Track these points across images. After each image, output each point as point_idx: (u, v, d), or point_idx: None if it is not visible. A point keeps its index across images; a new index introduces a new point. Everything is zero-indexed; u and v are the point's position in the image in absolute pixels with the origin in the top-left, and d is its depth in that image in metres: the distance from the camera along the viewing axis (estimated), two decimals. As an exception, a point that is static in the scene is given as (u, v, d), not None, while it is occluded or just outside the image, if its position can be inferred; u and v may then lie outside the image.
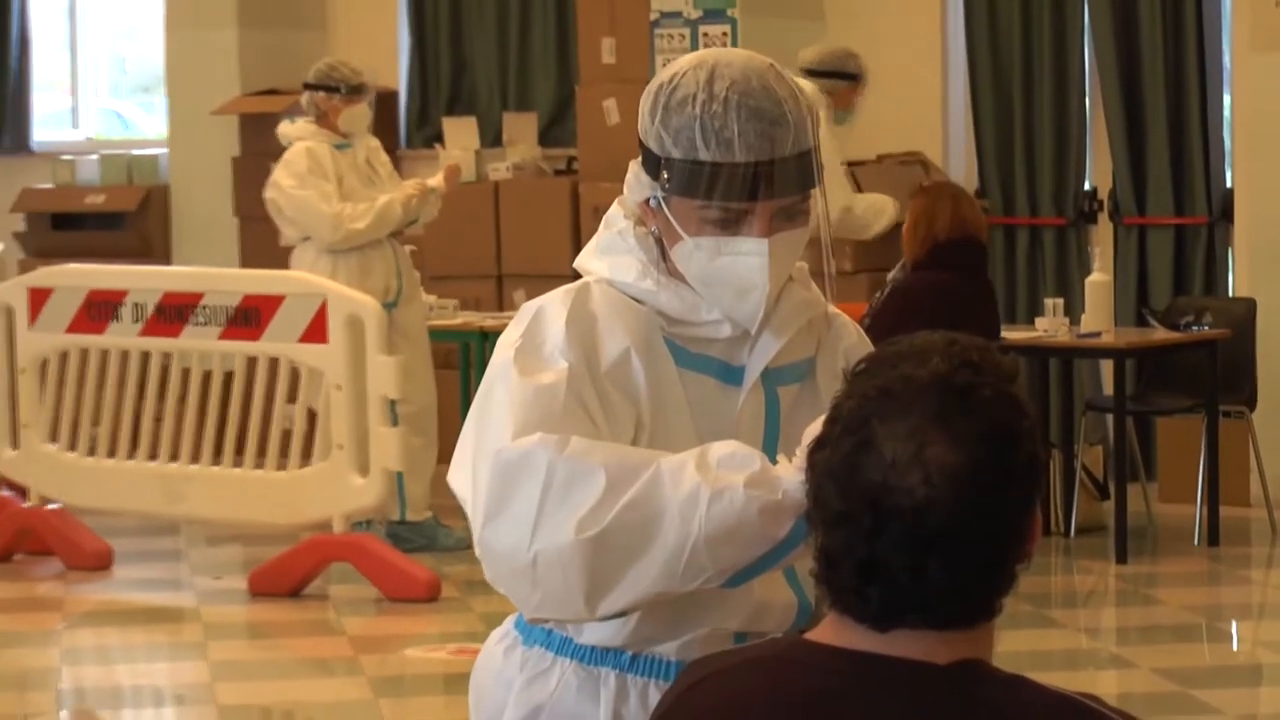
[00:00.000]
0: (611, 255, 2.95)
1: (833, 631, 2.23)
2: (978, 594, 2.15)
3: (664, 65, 9.24)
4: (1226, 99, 10.71)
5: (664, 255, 2.96)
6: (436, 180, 9.86)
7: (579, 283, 2.97)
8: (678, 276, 2.92)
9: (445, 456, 4.00)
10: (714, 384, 2.97)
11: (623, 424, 2.86)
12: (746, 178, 2.88)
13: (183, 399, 9.36)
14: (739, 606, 2.86)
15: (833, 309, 3.17)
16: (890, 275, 9.01)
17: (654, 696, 2.86)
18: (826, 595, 2.25)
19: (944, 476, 2.05)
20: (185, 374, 9.37)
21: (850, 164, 9.79)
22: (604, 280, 2.92)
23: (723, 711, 2.30)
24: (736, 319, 2.92)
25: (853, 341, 3.13)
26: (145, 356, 9.41)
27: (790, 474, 2.59)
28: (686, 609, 2.83)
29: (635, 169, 2.95)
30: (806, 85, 8.39)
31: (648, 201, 2.92)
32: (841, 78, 9.47)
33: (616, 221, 2.95)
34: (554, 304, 2.95)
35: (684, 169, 2.86)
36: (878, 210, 9.54)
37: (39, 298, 9.64)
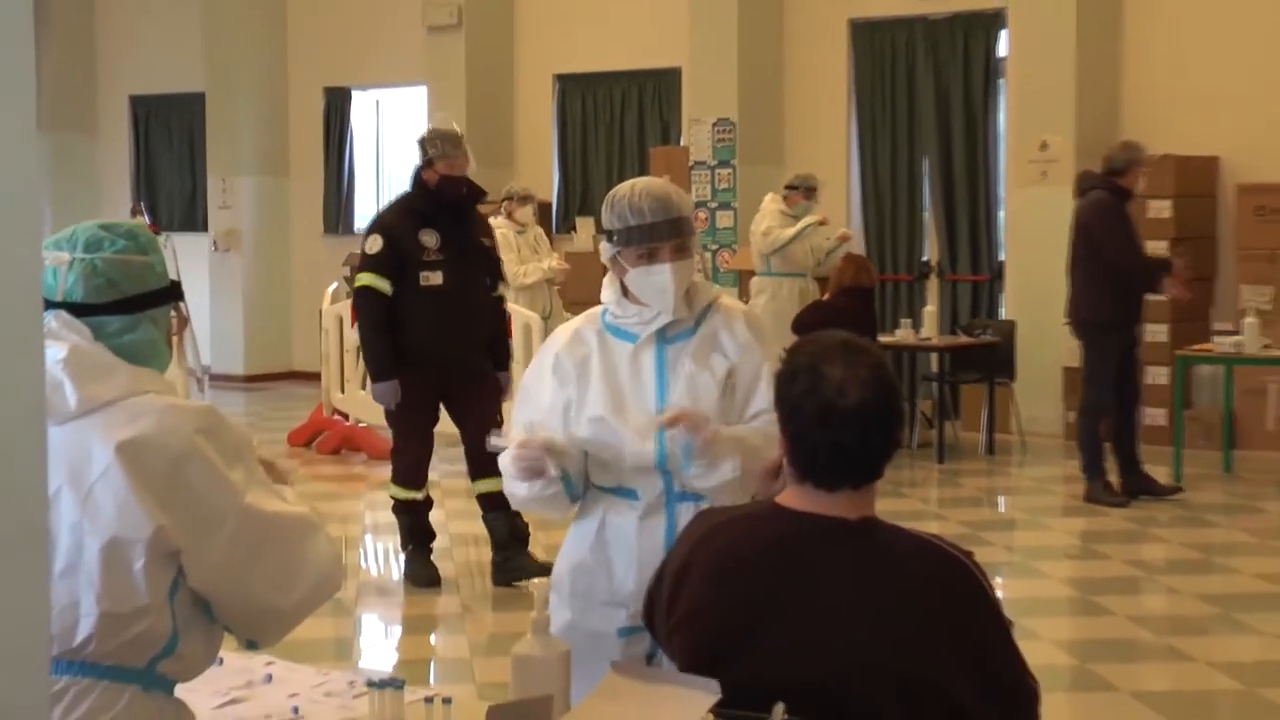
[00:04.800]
0: (605, 288, 3.85)
1: (793, 499, 2.81)
2: (879, 457, 2.79)
3: (695, 197, 13.02)
4: (1004, 208, 13.29)
5: (623, 285, 3.80)
6: (560, 262, 12.63)
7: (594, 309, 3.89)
8: (628, 295, 3.79)
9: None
10: (630, 346, 3.81)
11: (566, 395, 3.78)
12: (650, 230, 3.72)
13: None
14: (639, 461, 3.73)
15: (724, 299, 3.91)
16: (825, 297, 11.54)
17: (613, 515, 3.81)
18: (794, 473, 2.82)
19: (862, 386, 2.74)
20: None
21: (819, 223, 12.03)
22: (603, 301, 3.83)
23: (726, 549, 2.88)
24: (661, 310, 3.76)
25: (738, 320, 3.86)
26: None
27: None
28: (622, 471, 3.75)
29: (601, 242, 3.84)
30: (771, 199, 11.68)
31: (612, 258, 3.78)
32: (794, 188, 12.13)
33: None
34: (567, 326, 3.97)
35: (622, 232, 3.72)
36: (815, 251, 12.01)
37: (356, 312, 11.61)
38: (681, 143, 14.66)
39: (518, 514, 7.67)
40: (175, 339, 2.79)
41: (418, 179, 7.83)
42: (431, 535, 8.13)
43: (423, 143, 7.87)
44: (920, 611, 2.73)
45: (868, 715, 2.71)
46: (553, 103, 15.80)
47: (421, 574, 8.02)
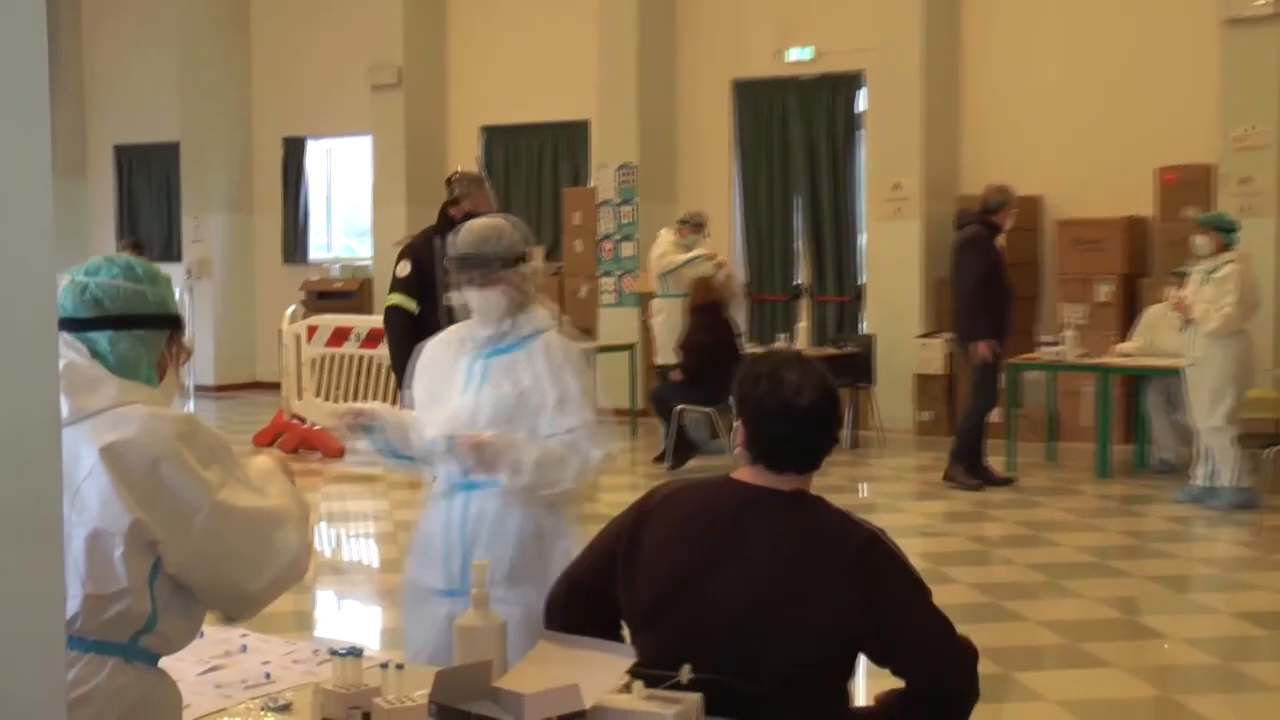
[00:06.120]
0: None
1: (746, 475, 2.93)
2: (822, 449, 2.93)
3: (602, 230, 13.22)
4: (863, 238, 13.46)
5: None
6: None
7: None
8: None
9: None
10: (466, 358, 3.91)
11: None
12: (460, 262, 3.84)
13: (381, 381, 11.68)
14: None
15: (550, 335, 3.90)
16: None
17: (434, 489, 3.95)
18: (749, 456, 2.92)
19: (814, 390, 2.89)
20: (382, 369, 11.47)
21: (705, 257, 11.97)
22: None
23: (686, 505, 3.01)
24: (485, 325, 3.89)
25: (543, 354, 3.88)
26: (360, 359, 12.16)
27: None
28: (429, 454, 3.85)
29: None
30: (666, 232, 12.12)
31: None
32: (685, 223, 12.21)
33: None
34: (453, 328, 4.08)
35: (451, 261, 3.88)
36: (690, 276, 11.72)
37: (312, 330, 12.50)
38: (591, 184, 14.71)
39: None
40: (172, 367, 2.76)
41: (444, 213, 7.63)
42: None
43: (452, 183, 7.73)
44: (835, 566, 2.81)
45: (781, 647, 2.78)
46: (480, 151, 15.82)
47: None
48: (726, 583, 2.83)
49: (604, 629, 3.01)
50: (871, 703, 3.08)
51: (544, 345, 3.84)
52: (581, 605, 3.05)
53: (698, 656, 2.70)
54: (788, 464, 2.90)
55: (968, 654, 2.94)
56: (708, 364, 10.76)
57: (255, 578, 2.64)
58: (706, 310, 11.18)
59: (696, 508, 2.98)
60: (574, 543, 3.77)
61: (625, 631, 3.08)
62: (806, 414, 2.86)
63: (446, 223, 7.58)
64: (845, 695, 2.94)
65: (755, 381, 2.92)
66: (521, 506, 3.83)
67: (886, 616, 2.82)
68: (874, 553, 2.85)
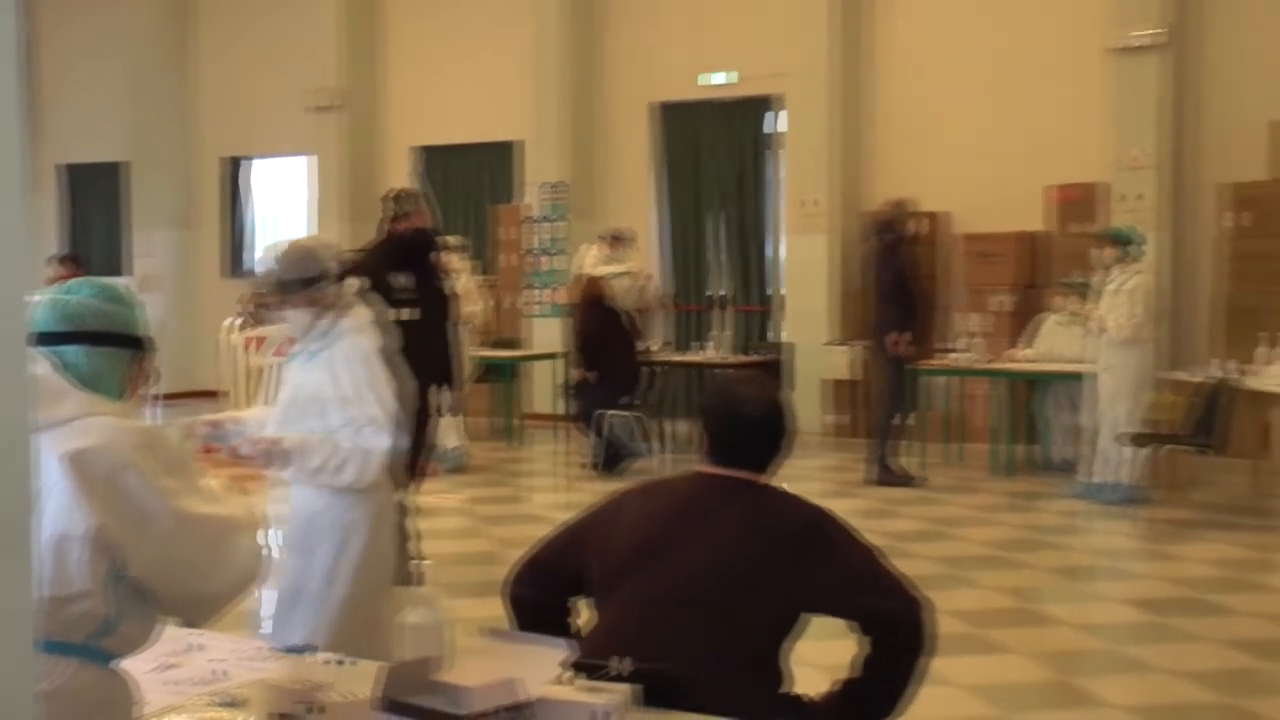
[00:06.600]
0: None
1: (707, 466, 3.18)
2: (769, 454, 3.16)
3: (531, 245, 13.14)
4: (781, 251, 13.54)
5: None
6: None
7: None
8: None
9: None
10: (287, 368, 4.16)
11: None
12: (274, 285, 4.01)
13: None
14: None
15: (344, 341, 4.07)
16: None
17: None
18: (707, 455, 3.14)
19: (766, 403, 3.18)
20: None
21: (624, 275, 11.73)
22: None
23: (653, 490, 3.28)
24: (298, 338, 4.09)
25: (328, 362, 4.05)
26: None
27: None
28: None
29: None
30: (589, 246, 11.97)
31: None
32: (609, 238, 12.11)
33: None
34: None
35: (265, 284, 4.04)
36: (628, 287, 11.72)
37: (259, 341, 12.23)
38: (525, 201, 14.66)
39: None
40: (133, 385, 2.74)
41: (388, 230, 7.50)
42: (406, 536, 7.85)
43: (394, 200, 7.58)
44: (788, 536, 3.03)
45: (740, 610, 2.96)
46: (417, 170, 15.73)
47: (402, 574, 7.59)
48: (693, 549, 3.00)
49: (556, 605, 3.20)
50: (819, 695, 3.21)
51: (342, 347, 4.02)
52: (540, 582, 3.21)
53: (663, 615, 2.90)
54: (741, 464, 3.11)
55: (922, 603, 3.14)
56: (605, 348, 10.85)
57: (214, 582, 2.63)
58: (591, 304, 11.18)
59: (666, 489, 3.25)
60: (372, 536, 4.05)
61: (577, 611, 3.22)
62: (756, 421, 3.11)
63: (393, 239, 7.54)
64: (781, 671, 3.04)
65: (715, 395, 3.24)
66: (325, 501, 4.03)
67: (840, 574, 3.03)
68: (823, 524, 3.09)
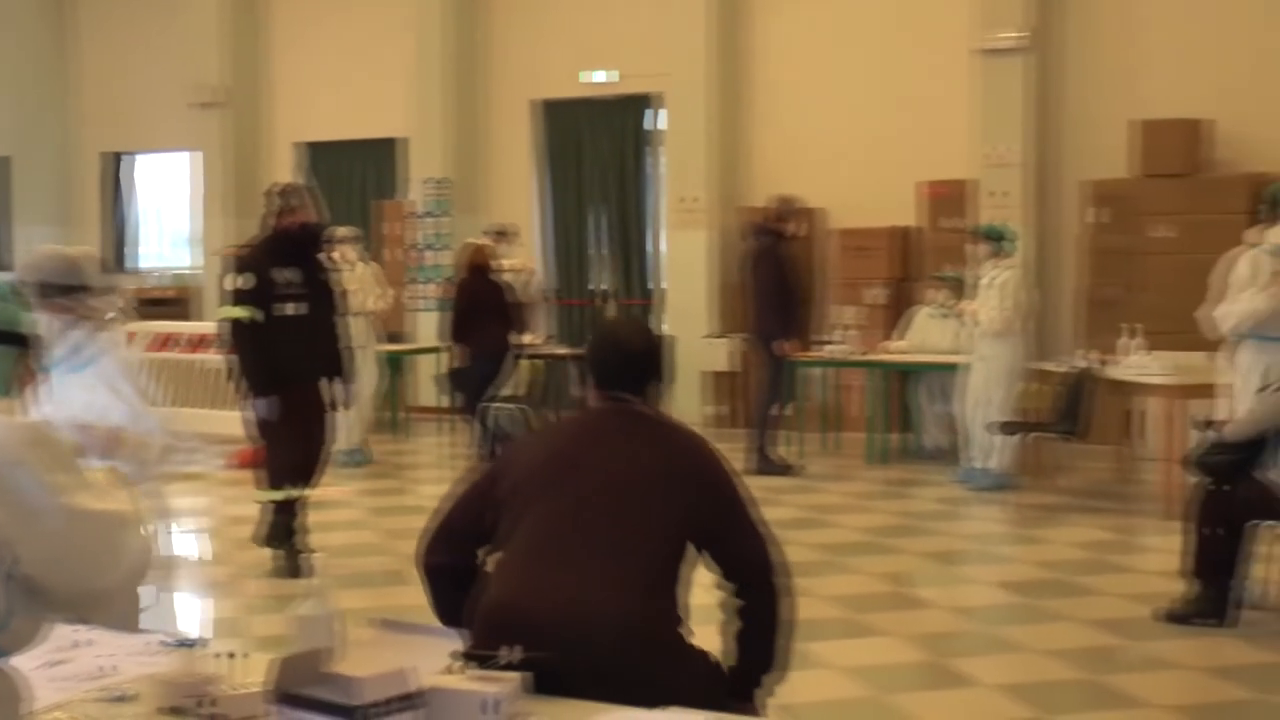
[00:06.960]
0: None
1: (594, 399, 3.36)
2: (646, 377, 3.32)
3: (415, 240, 13.06)
4: (661, 246, 13.55)
5: None
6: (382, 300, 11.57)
7: None
8: None
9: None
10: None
11: None
12: (34, 284, 4.17)
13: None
14: None
15: (106, 356, 4.28)
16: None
17: None
18: (593, 388, 3.31)
19: (641, 333, 3.44)
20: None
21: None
22: None
23: (553, 426, 3.72)
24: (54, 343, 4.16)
25: (108, 366, 4.26)
26: (188, 364, 11.94)
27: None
28: None
29: None
30: (474, 241, 11.80)
31: None
32: (493, 233, 11.72)
33: None
34: None
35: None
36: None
37: (130, 334, 12.56)
38: (409, 197, 14.56)
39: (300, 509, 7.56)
40: (20, 382, 2.69)
41: (273, 225, 7.39)
42: (292, 533, 7.58)
43: (279, 194, 7.45)
44: (677, 459, 3.19)
45: (638, 519, 3.09)
46: (301, 166, 15.54)
47: (294, 567, 7.47)
48: (599, 463, 3.16)
49: (469, 565, 3.25)
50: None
51: (108, 363, 4.23)
52: (455, 545, 3.29)
53: (574, 528, 3.03)
54: (624, 389, 3.27)
55: (777, 555, 3.31)
56: (480, 320, 10.39)
57: (106, 577, 2.60)
58: (474, 271, 10.66)
59: (563, 423, 3.52)
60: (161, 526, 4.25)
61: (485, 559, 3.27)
62: (634, 348, 3.32)
63: (278, 234, 7.42)
64: (678, 602, 3.14)
65: (596, 332, 3.49)
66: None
67: (729, 510, 3.21)
68: (719, 460, 3.26)
